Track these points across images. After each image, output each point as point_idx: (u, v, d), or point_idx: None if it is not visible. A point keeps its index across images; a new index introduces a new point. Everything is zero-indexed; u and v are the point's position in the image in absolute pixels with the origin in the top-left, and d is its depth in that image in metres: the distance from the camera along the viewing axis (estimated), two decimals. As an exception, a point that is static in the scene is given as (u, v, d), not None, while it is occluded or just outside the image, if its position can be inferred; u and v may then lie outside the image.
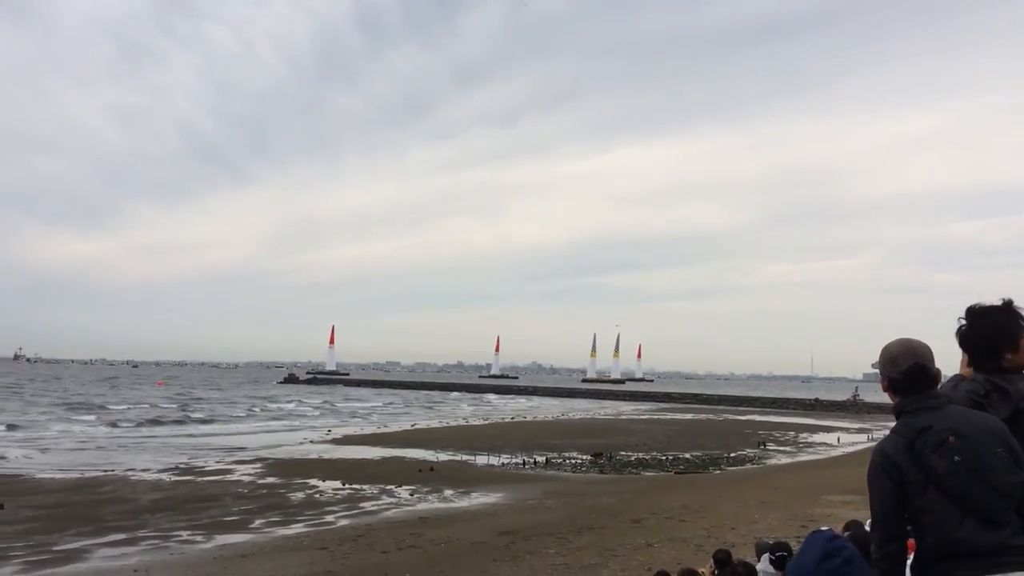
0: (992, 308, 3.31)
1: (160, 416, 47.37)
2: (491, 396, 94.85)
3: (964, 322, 3.36)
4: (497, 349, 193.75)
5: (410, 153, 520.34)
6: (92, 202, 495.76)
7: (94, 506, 17.02)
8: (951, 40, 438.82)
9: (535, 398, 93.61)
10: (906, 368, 2.98)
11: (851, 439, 40.52)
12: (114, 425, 40.44)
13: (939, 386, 3.10)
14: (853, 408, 75.61)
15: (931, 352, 3.07)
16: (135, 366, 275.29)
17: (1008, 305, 3.29)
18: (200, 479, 21.24)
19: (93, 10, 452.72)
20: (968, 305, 3.40)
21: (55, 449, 28.45)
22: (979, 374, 3.29)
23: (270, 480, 20.98)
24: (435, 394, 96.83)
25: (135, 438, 34.03)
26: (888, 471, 2.88)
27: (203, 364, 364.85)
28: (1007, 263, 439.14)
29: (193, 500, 17.82)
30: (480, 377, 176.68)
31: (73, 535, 14.17)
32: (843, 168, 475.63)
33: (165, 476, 21.74)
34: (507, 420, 51.99)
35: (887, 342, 3.14)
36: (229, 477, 21.68)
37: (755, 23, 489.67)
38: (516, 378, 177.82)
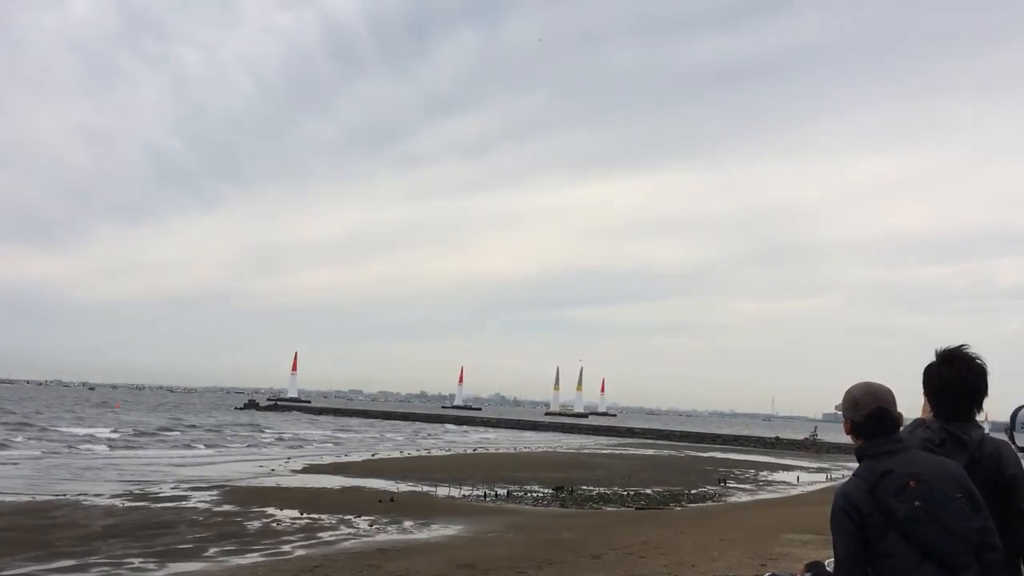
0: (970, 356, 3.36)
1: (119, 440, 46.62)
2: (453, 427, 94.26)
3: (944, 365, 3.39)
4: (461, 380, 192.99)
5: (379, 181, 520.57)
6: (53, 221, 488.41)
7: (44, 531, 16.60)
8: (914, 88, 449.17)
9: (498, 430, 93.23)
10: (868, 412, 3.04)
11: (810, 478, 40.79)
12: (71, 448, 39.72)
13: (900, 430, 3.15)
14: (812, 447, 76.18)
15: (893, 396, 3.12)
16: (91, 388, 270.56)
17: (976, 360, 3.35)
18: (154, 505, 20.83)
19: (63, 28, 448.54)
20: (948, 348, 3.43)
21: (5, 474, 27.75)
22: (935, 421, 3.33)
23: (226, 508, 20.62)
24: (400, 424, 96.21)
25: (90, 463, 33.35)
26: (849, 514, 2.92)
27: (161, 388, 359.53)
28: (968, 308, 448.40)
29: (146, 527, 17.47)
30: (443, 408, 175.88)
31: (22, 560, 13.80)
32: (809, 210, 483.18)
33: (118, 501, 21.29)
34: (469, 452, 51.71)
35: (850, 385, 3.19)
36: (184, 504, 21.28)
37: (726, 64, 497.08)
38: (479, 409, 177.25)
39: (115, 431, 53.00)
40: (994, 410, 3.96)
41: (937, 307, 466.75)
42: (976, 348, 3.40)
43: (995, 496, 3.09)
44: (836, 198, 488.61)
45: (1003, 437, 3.61)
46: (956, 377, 3.31)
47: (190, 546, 15.60)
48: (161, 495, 22.94)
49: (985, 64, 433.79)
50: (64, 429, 52.35)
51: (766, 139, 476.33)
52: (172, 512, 19.72)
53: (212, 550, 15.25)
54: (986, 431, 3.49)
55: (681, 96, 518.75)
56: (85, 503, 20.80)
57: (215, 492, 23.73)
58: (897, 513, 2.83)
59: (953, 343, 3.41)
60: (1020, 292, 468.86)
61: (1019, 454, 3.39)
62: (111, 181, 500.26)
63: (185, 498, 22.39)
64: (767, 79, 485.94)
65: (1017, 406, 3.81)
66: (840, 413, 3.22)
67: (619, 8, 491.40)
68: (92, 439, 45.93)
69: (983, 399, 3.37)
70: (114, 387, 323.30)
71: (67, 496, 21.88)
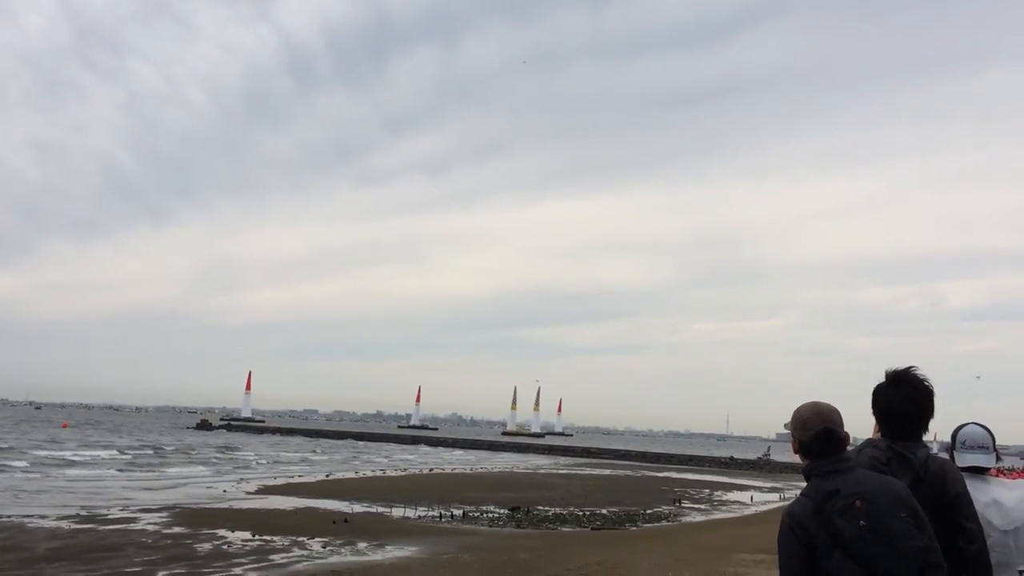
0: (917, 377, 3.44)
1: (67, 460, 45.60)
2: (410, 447, 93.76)
3: (891, 385, 3.46)
4: (418, 400, 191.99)
5: (337, 198, 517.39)
6: (1, 237, 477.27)
7: (-14, 554, 16.16)
8: (868, 114, 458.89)
9: (455, 450, 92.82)
10: (815, 432, 3.07)
11: (764, 498, 41.15)
12: (10, 469, 38.70)
13: (847, 449, 3.19)
14: (766, 467, 76.89)
15: (840, 416, 3.16)
16: (38, 407, 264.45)
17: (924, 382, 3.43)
18: (102, 527, 20.35)
19: (14, 42, 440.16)
20: (896, 369, 3.50)
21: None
22: (883, 440, 3.39)
23: (176, 530, 20.22)
24: (355, 443, 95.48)
25: (41, 484, 32.55)
26: (796, 533, 2.95)
27: (109, 407, 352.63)
28: (919, 329, 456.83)
29: (93, 550, 17.06)
30: (400, 427, 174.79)
31: (-39, 585, 13.42)
32: (765, 231, 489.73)
33: (64, 524, 20.77)
34: (425, 472, 51.38)
35: (799, 404, 3.23)
36: (133, 526, 20.83)
37: (683, 88, 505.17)
38: (436, 429, 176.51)
39: (71, 452, 51.94)
40: (944, 431, 4.04)
41: (889, 328, 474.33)
42: (926, 370, 3.47)
43: (940, 514, 3.14)
44: (791, 220, 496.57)
45: (946, 456, 3.68)
46: (903, 398, 3.38)
47: (138, 569, 15.27)
48: (109, 517, 22.44)
49: (936, 91, 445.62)
50: (29, 452, 50.96)
51: (722, 162, 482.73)
52: (120, 534, 19.29)
53: (161, 573, 14.94)
54: (935, 451, 3.56)
55: (639, 118, 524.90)
56: (29, 525, 20.27)
57: (165, 514, 23.27)
58: (843, 532, 2.86)
59: (902, 364, 3.48)
60: (970, 314, 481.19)
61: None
62: (62, 196, 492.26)
63: (134, 520, 21.92)
64: (724, 103, 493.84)
65: (957, 426, 3.87)
66: (790, 432, 3.26)
67: (578, 30, 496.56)
68: (48, 461, 44.72)
69: (929, 420, 3.44)
70: (62, 406, 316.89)
71: (11, 518, 21.31)
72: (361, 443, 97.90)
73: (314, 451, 71.37)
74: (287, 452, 67.17)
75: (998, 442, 3.85)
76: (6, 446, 53.89)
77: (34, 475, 36.35)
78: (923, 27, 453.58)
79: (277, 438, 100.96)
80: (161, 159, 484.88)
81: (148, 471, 42.32)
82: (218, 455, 58.22)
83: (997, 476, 3.79)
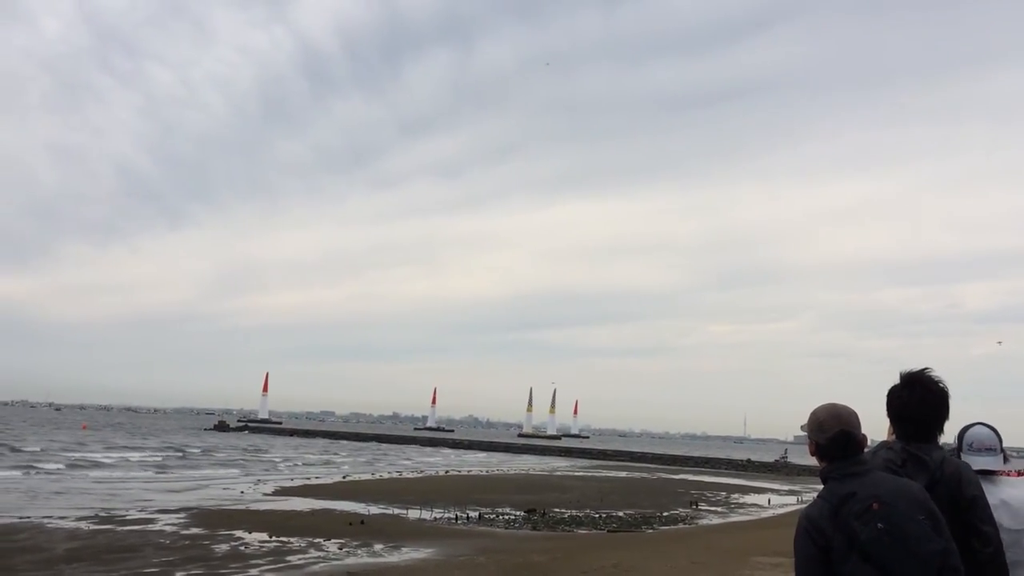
0: (931, 379, 3.42)
1: (92, 461, 45.90)
2: (430, 449, 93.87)
3: (905, 387, 3.44)
4: (434, 402, 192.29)
5: (352, 201, 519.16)
6: (20, 240, 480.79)
7: (7, 555, 16.29)
8: (883, 115, 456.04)
9: (471, 452, 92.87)
10: (832, 434, 3.06)
11: (781, 500, 40.92)
12: (36, 470, 38.99)
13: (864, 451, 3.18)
14: (783, 470, 76.47)
15: (857, 418, 3.15)
16: (58, 409, 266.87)
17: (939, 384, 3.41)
18: (120, 528, 20.49)
19: (33, 46, 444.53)
20: (910, 371, 3.48)
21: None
22: (897, 442, 3.37)
23: (194, 531, 20.33)
24: (378, 446, 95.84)
25: (68, 485, 32.78)
26: (812, 536, 2.93)
27: (128, 408, 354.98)
28: (935, 331, 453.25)
29: (111, 550, 17.18)
30: (416, 429, 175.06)
31: (-18, 585, 13.54)
32: (779, 233, 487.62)
33: (83, 525, 20.92)
34: (441, 474, 51.42)
35: (815, 407, 3.22)
36: (151, 527, 20.95)
37: (697, 89, 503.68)
38: (452, 431, 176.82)
39: (101, 455, 52.31)
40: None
41: (903, 330, 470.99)
42: (941, 372, 3.45)
43: (955, 516, 3.12)
44: (806, 222, 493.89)
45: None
46: (917, 400, 3.36)
47: (155, 570, 15.36)
48: (127, 518, 22.58)
49: (948, 93, 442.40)
50: (32, 449, 51.40)
51: (737, 163, 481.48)
52: (138, 535, 19.41)
53: (178, 574, 15.02)
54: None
55: (653, 120, 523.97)
56: (49, 525, 20.43)
57: (182, 515, 23.40)
58: (860, 535, 2.84)
59: (917, 366, 3.46)
60: (986, 316, 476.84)
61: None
62: (80, 199, 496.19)
63: (152, 521, 22.06)
64: (735, 105, 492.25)
65: (963, 427, 3.80)
66: (807, 434, 3.25)
67: (590, 32, 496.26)
68: (75, 463, 44.99)
69: (944, 422, 3.42)
70: (82, 408, 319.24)
71: (31, 519, 21.48)
72: (384, 445, 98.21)
73: (337, 453, 71.67)
74: (311, 454, 67.60)
75: (1010, 444, 3.79)
76: (35, 448, 54.40)
77: (56, 477, 36.62)
78: (934, 29, 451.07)
79: (299, 440, 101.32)
80: (177, 162, 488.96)
81: (179, 472, 42.47)
82: (245, 457, 58.51)
83: (1012, 477, 3.72)
